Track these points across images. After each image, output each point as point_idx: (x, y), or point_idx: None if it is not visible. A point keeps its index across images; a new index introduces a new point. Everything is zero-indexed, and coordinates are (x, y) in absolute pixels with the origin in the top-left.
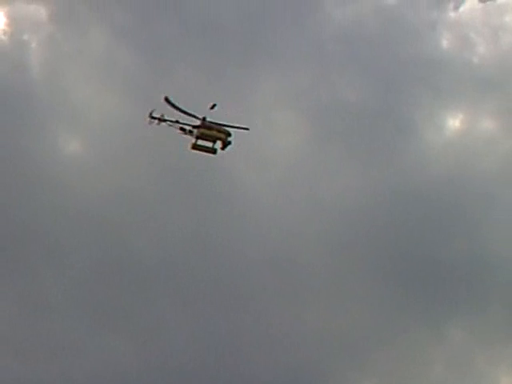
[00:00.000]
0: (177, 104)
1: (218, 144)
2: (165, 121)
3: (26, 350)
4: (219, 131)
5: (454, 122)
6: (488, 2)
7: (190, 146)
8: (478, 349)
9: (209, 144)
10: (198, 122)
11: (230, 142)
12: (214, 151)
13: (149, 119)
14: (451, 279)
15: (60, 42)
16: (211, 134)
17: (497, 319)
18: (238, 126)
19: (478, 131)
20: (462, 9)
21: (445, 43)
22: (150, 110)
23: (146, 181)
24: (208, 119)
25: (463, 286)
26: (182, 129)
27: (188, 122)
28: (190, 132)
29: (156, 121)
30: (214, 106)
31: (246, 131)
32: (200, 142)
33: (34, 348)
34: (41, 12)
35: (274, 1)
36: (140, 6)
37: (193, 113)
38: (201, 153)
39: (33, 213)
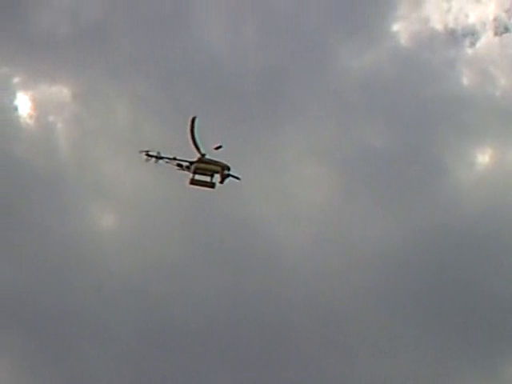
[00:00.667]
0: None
1: (217, 178)
2: (162, 158)
3: None
4: (216, 164)
5: (484, 158)
6: (504, 35)
7: (188, 181)
8: None
9: (207, 178)
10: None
11: (228, 175)
12: (212, 185)
13: (145, 157)
14: (502, 316)
15: (85, 120)
16: (208, 168)
17: None
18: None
19: (509, 163)
20: (478, 44)
21: (465, 80)
22: (144, 150)
23: (181, 250)
24: (207, 157)
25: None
26: (179, 165)
27: (186, 159)
28: (188, 168)
29: (153, 159)
30: (219, 147)
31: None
32: (198, 177)
33: None
34: (64, 92)
35: (290, 58)
36: (162, 77)
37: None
38: (200, 187)
39: (73, 292)
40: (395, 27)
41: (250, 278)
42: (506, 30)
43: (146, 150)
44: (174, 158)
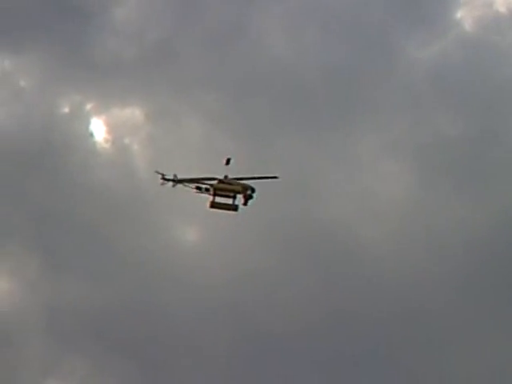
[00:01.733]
0: (180, 177)
1: (239, 199)
2: (180, 181)
3: None
4: (237, 184)
5: None
6: None
7: (208, 204)
8: None
9: (228, 201)
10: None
11: (251, 197)
12: (235, 208)
13: (161, 181)
14: None
15: (159, 139)
16: (228, 188)
17: None
18: (265, 176)
19: None
20: None
21: None
22: (160, 174)
23: (264, 256)
24: (230, 177)
25: None
26: (197, 188)
27: (205, 182)
28: (207, 190)
29: (170, 182)
30: (228, 160)
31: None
32: (218, 200)
33: None
34: (136, 113)
35: (357, 56)
36: (231, 89)
37: (208, 176)
38: (221, 211)
39: (164, 305)
40: (459, 14)
41: (336, 278)
42: None
43: (162, 173)
44: (192, 180)
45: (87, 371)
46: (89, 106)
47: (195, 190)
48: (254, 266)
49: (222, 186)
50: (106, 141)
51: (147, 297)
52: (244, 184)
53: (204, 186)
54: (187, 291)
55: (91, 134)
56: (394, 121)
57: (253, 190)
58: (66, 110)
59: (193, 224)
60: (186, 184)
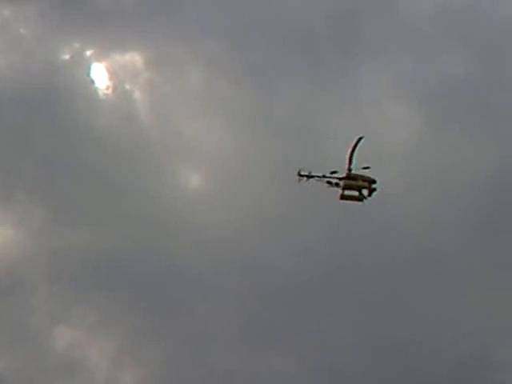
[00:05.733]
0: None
1: (364, 192)
2: (313, 177)
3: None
4: (363, 180)
5: None
6: None
7: (339, 196)
8: None
9: (355, 193)
10: (343, 174)
11: (375, 189)
12: (361, 199)
13: (298, 177)
14: None
15: (160, 85)
16: (356, 184)
17: None
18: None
19: None
20: None
21: None
22: (297, 170)
23: (267, 201)
24: (353, 172)
25: None
26: (328, 182)
27: (333, 175)
28: (337, 184)
29: (304, 178)
30: (367, 167)
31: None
32: (347, 192)
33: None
34: (136, 59)
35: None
36: (232, 36)
37: (331, 175)
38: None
39: (171, 251)
40: None
41: (344, 222)
42: None
43: (299, 171)
44: (324, 176)
45: (96, 318)
46: (89, 53)
47: (327, 185)
48: (255, 210)
49: (351, 182)
50: (107, 87)
51: (153, 243)
52: (369, 179)
53: (334, 181)
54: (192, 235)
55: (92, 81)
56: (397, 62)
57: (375, 183)
58: (67, 56)
59: (197, 169)
60: (318, 179)
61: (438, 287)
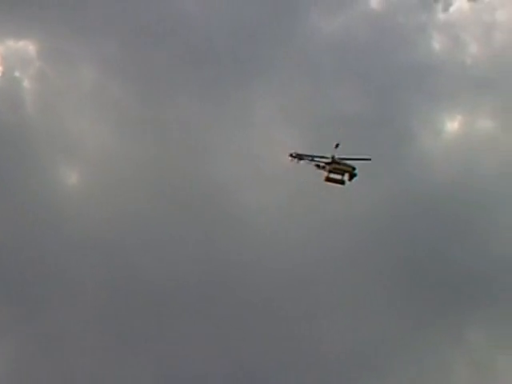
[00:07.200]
0: (304, 154)
1: (346, 176)
2: (303, 158)
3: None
4: (347, 165)
5: (453, 125)
6: (477, 1)
7: (323, 178)
8: (498, 350)
9: (338, 176)
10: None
11: (355, 175)
12: (342, 182)
13: (290, 158)
14: (467, 282)
15: (51, 77)
16: (341, 168)
17: None
18: (360, 157)
19: (477, 131)
20: (451, 9)
21: (437, 46)
22: (289, 153)
23: (145, 203)
24: (336, 156)
25: (479, 287)
26: (317, 165)
27: (321, 160)
28: (323, 167)
29: (296, 159)
30: (337, 145)
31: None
32: (332, 175)
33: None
34: (30, 48)
35: (262, 20)
36: (130, 38)
37: (321, 155)
38: (332, 184)
39: (39, 245)
40: None
41: (216, 235)
42: None
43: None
44: (313, 159)
45: None
46: None
47: (315, 168)
48: (131, 209)
49: (337, 166)
50: None
51: (26, 232)
52: (352, 165)
53: (321, 165)
54: (65, 229)
55: None
56: (291, 87)
57: (355, 169)
58: None
59: (76, 165)
60: (308, 162)
61: (304, 310)
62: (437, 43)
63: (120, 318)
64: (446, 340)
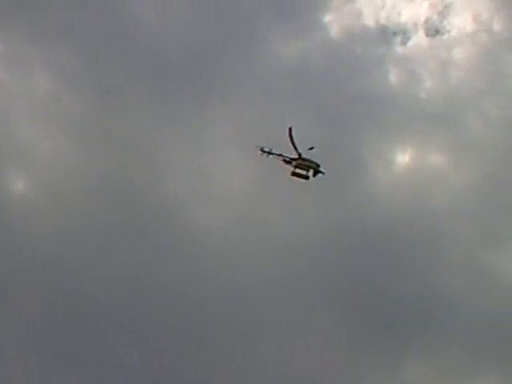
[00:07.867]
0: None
1: (311, 172)
2: (272, 154)
3: None
4: (312, 162)
5: (403, 158)
6: (436, 37)
7: (289, 173)
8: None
9: (304, 172)
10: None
11: (320, 171)
12: (307, 177)
13: (260, 152)
14: (406, 316)
15: (5, 83)
16: (306, 164)
17: (453, 355)
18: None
19: (428, 166)
20: (409, 44)
21: (392, 79)
22: (259, 147)
23: (92, 218)
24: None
25: (418, 322)
26: (285, 160)
27: (288, 156)
28: (290, 162)
29: (265, 154)
30: (311, 148)
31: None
32: (297, 170)
33: None
34: None
35: (220, 40)
36: (86, 48)
37: (287, 155)
38: (297, 178)
39: None
40: (327, 18)
41: (163, 254)
42: (437, 32)
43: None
44: (281, 155)
45: None
46: None
47: (283, 162)
48: (77, 223)
49: (302, 162)
50: None
51: None
52: (317, 163)
53: (288, 160)
54: (9, 240)
55: None
56: (245, 111)
57: (319, 166)
58: None
59: (24, 175)
60: (276, 157)
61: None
62: (393, 76)
63: (59, 333)
64: (383, 372)
